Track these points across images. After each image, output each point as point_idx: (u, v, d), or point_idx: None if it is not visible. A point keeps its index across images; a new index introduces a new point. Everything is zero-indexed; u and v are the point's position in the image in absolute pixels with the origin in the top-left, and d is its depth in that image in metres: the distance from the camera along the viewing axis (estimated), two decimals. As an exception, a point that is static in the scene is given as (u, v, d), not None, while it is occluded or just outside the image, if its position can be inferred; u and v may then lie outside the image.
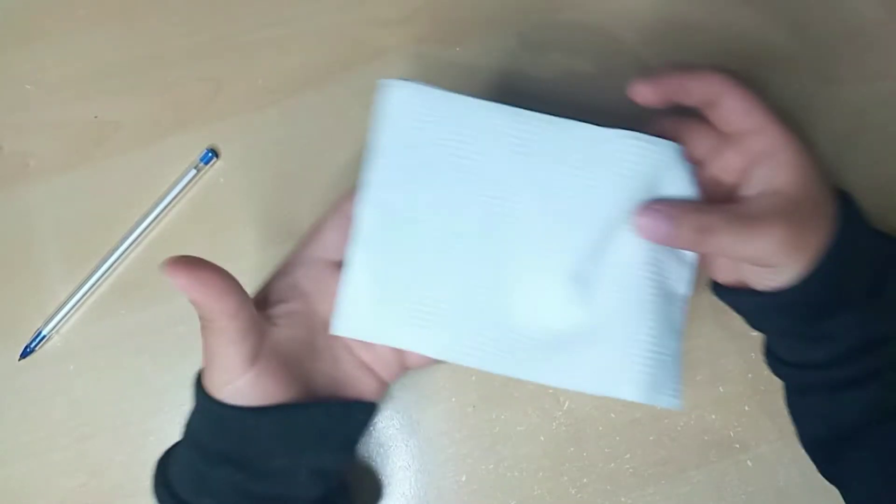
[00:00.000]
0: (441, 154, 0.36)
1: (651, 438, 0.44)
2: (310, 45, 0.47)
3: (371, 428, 0.43)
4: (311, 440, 0.36)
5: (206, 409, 0.35)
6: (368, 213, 0.36)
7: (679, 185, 0.35)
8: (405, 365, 0.40)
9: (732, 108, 0.35)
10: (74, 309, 0.44)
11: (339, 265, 0.37)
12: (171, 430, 0.44)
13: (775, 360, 0.40)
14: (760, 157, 0.35)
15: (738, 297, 0.39)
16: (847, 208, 0.36)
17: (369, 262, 0.36)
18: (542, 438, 0.44)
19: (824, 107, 0.47)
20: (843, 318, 0.36)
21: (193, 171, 0.45)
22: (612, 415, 0.44)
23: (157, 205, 0.45)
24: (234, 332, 0.34)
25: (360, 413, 0.39)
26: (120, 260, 0.45)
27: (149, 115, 0.46)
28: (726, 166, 0.37)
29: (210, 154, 0.45)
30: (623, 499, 0.44)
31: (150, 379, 0.44)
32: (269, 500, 0.36)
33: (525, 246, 0.36)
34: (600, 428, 0.44)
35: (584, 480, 0.44)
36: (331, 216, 0.38)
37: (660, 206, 0.34)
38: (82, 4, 0.47)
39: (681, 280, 0.37)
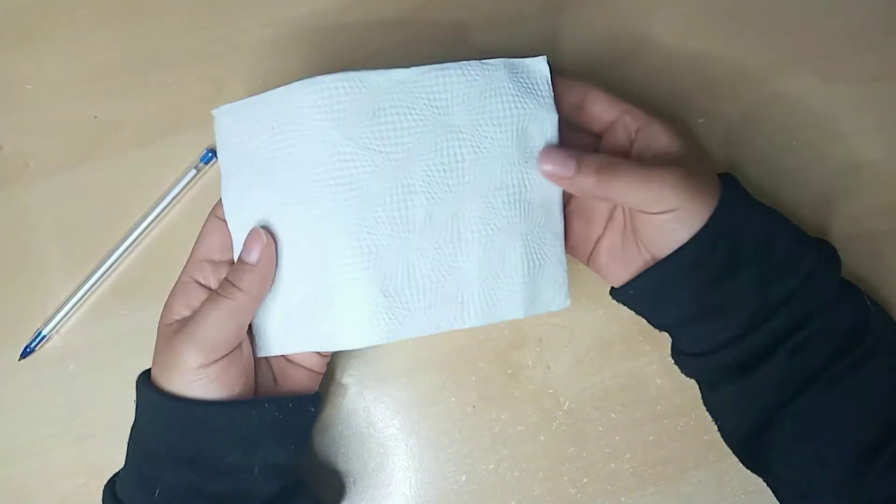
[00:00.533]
0: (275, 153, 0.36)
1: (651, 438, 0.44)
2: (309, 45, 0.47)
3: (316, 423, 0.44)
4: (264, 435, 0.36)
5: (158, 406, 0.36)
6: (237, 237, 0.37)
7: (544, 102, 0.37)
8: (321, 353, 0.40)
9: (597, 106, 0.39)
10: (74, 309, 0.44)
11: (222, 264, 0.38)
12: (171, 430, 0.44)
13: (682, 356, 0.40)
14: (636, 131, 0.38)
15: (646, 279, 0.38)
16: (729, 178, 0.38)
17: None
18: (542, 438, 0.44)
19: (824, 107, 0.47)
20: (741, 279, 0.36)
21: (193, 171, 0.45)
22: (612, 415, 0.44)
23: (157, 205, 0.45)
24: (248, 315, 0.36)
25: (310, 405, 0.39)
26: (120, 260, 0.45)
27: (149, 115, 0.46)
28: (611, 149, 0.39)
29: (210, 154, 0.45)
30: (623, 499, 0.44)
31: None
32: (225, 498, 0.36)
33: (381, 204, 0.35)
34: (600, 428, 0.44)
35: (584, 480, 0.44)
36: (207, 220, 0.39)
37: (563, 150, 0.36)
38: (82, 4, 0.47)
39: (552, 189, 0.38)
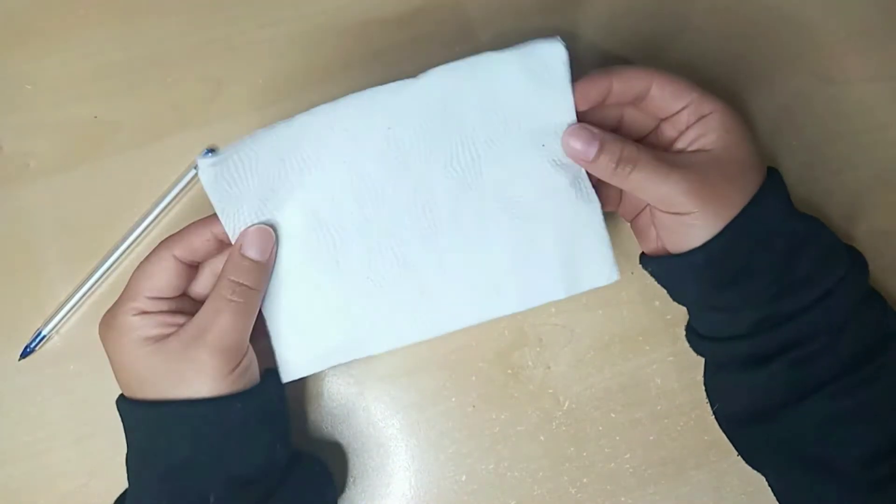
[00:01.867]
0: (285, 181, 0.37)
1: (651, 438, 0.44)
2: (309, 45, 0.47)
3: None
4: (282, 409, 0.39)
5: (180, 416, 0.35)
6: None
7: (560, 87, 0.36)
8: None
9: (661, 95, 0.36)
10: (74, 309, 0.44)
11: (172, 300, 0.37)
12: (171, 430, 0.44)
13: (694, 334, 0.41)
14: (692, 122, 0.37)
15: (659, 264, 0.39)
16: (771, 183, 0.37)
17: (280, 310, 0.38)
18: (542, 438, 0.44)
19: (824, 107, 0.47)
20: (745, 289, 0.36)
21: (193, 171, 0.45)
22: (612, 415, 0.44)
23: (157, 205, 0.45)
24: (256, 310, 0.37)
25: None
26: (120, 260, 0.45)
27: (149, 115, 0.46)
28: (662, 138, 0.38)
29: (210, 154, 0.45)
30: (623, 499, 0.44)
31: (150, 379, 0.44)
32: (263, 479, 0.36)
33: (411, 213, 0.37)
34: (600, 428, 0.44)
35: (584, 480, 0.44)
36: (160, 255, 0.37)
37: (590, 131, 0.36)
38: (82, 4, 0.47)
39: (576, 167, 0.37)
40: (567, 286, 0.38)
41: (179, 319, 0.36)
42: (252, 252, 0.36)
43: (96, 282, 0.44)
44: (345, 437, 0.44)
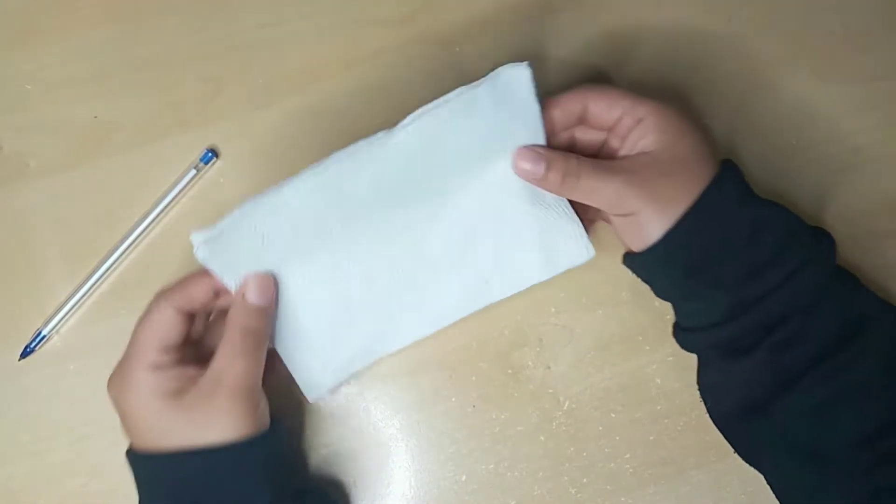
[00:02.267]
0: (278, 242, 0.39)
1: (651, 438, 0.44)
2: (309, 45, 0.47)
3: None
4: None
5: (206, 464, 0.36)
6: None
7: (528, 107, 0.38)
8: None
9: (597, 110, 0.39)
10: (74, 309, 0.44)
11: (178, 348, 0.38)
12: (171, 430, 0.44)
13: (679, 329, 0.41)
14: (631, 128, 0.38)
15: (632, 260, 0.40)
16: (724, 173, 0.38)
17: (289, 339, 0.41)
18: (542, 438, 0.44)
19: (824, 107, 0.47)
20: (713, 276, 0.37)
21: (193, 172, 0.45)
22: (613, 415, 0.44)
23: (157, 205, 0.45)
24: (265, 347, 0.39)
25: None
26: (120, 260, 0.45)
27: (149, 115, 0.46)
28: (610, 148, 0.40)
29: (210, 154, 0.45)
30: (623, 499, 0.44)
31: (150, 379, 0.44)
32: None
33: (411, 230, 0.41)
34: (600, 428, 0.44)
35: (584, 480, 0.44)
36: (161, 308, 0.38)
37: (534, 151, 0.38)
38: (83, 4, 0.47)
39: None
40: (549, 267, 0.42)
41: (191, 370, 0.37)
42: (256, 298, 0.38)
43: (96, 282, 0.44)
44: (345, 437, 0.44)
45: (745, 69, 0.47)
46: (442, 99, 0.37)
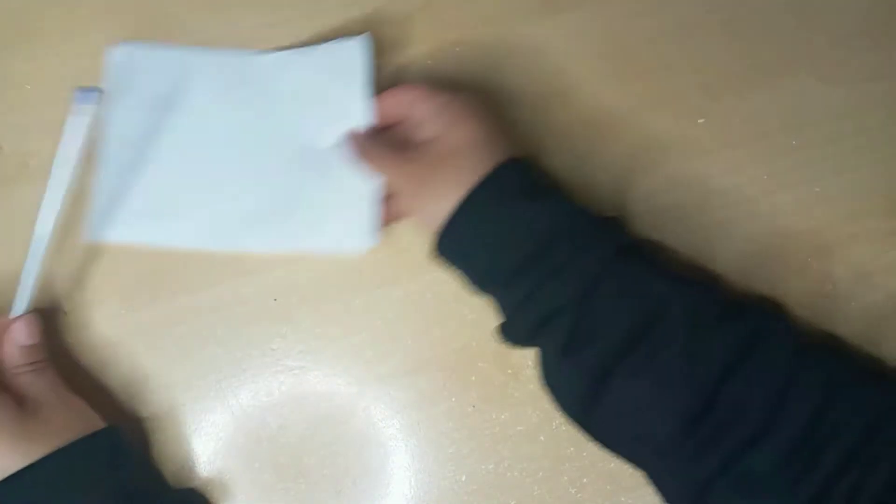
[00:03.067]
0: (163, 95, 0.45)
1: (651, 438, 0.44)
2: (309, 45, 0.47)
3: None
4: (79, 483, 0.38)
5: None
6: (110, 143, 0.45)
7: (359, 77, 0.44)
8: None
9: (408, 103, 0.42)
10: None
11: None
12: (171, 430, 0.44)
13: (497, 330, 0.41)
14: (431, 119, 0.41)
15: (431, 246, 0.40)
16: (500, 169, 0.38)
17: (113, 180, 0.44)
18: (542, 438, 0.44)
19: (824, 107, 0.47)
20: (496, 264, 0.38)
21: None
22: (612, 415, 0.44)
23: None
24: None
25: (106, 438, 0.40)
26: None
27: (149, 115, 0.46)
28: (419, 137, 0.42)
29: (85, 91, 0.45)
30: (623, 499, 0.44)
31: (151, 379, 0.44)
32: None
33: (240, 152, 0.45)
34: (600, 428, 0.44)
35: (584, 480, 0.44)
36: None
37: (356, 136, 0.43)
38: (82, 4, 0.47)
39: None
40: (331, 242, 0.44)
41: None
42: (26, 339, 0.40)
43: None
44: (345, 437, 0.44)
45: (745, 69, 0.47)
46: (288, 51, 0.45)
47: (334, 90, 0.44)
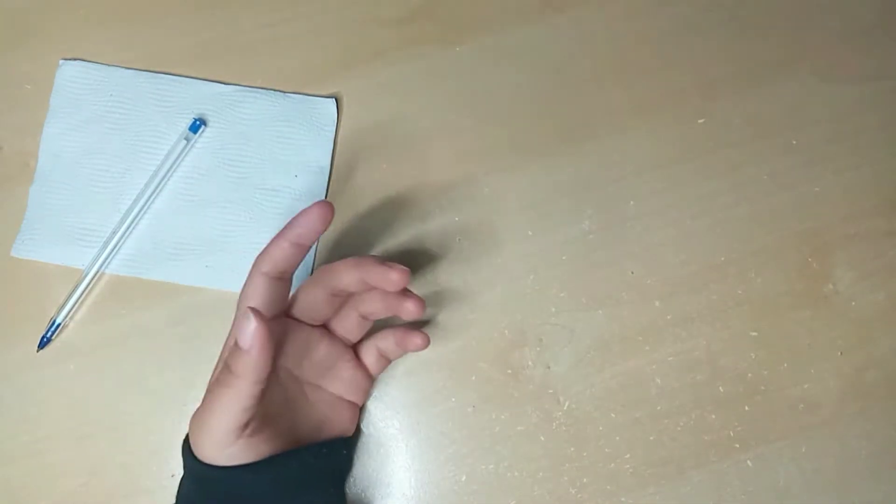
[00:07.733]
0: (100, 112, 0.46)
1: (651, 438, 0.44)
2: (310, 46, 0.47)
3: (354, 460, 0.44)
4: (302, 484, 0.37)
5: (197, 472, 0.36)
6: (43, 158, 0.45)
7: (324, 135, 0.46)
8: (372, 379, 0.43)
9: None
10: (87, 292, 0.44)
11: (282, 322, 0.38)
12: (172, 430, 0.44)
13: None
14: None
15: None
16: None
17: (44, 197, 0.45)
18: (542, 438, 0.44)
19: (824, 107, 0.47)
20: None
21: (184, 142, 0.45)
22: (613, 415, 0.44)
23: (155, 175, 0.45)
24: (249, 398, 0.34)
25: (343, 447, 0.41)
26: (125, 237, 0.45)
27: (149, 115, 0.46)
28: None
29: (198, 122, 0.45)
30: (623, 499, 0.44)
31: (151, 379, 0.44)
32: None
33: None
34: (600, 428, 0.44)
35: (584, 480, 0.44)
36: (251, 278, 0.37)
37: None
38: (82, 4, 0.47)
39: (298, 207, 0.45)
40: (222, 280, 0.45)
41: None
42: (240, 339, 0.34)
43: (105, 260, 0.44)
44: (345, 437, 0.44)
45: (746, 69, 0.47)
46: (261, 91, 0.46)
47: (297, 136, 0.45)
